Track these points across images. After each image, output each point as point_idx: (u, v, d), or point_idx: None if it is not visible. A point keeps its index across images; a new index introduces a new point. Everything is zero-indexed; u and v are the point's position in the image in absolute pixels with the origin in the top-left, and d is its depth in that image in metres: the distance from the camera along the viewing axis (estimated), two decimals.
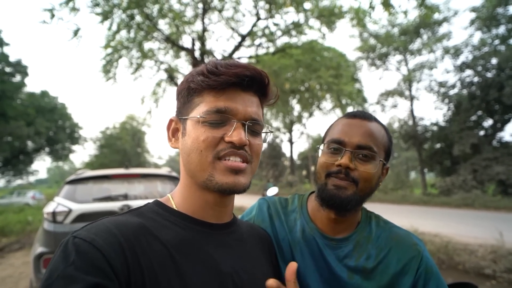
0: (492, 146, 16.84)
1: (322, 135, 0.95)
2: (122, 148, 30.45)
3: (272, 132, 0.71)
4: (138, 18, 7.88)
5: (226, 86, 0.59)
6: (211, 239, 0.62)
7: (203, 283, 0.55)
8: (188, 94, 0.63)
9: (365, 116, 0.84)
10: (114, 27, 7.87)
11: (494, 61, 16.45)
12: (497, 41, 16.87)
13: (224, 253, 0.62)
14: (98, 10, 7.39)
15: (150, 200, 0.67)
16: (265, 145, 0.69)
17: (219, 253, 0.61)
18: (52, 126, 24.15)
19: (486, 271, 4.14)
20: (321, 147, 0.86)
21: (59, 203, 3.14)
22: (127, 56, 9.07)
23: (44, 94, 24.42)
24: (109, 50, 8.55)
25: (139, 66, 9.49)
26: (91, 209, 3.18)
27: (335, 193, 0.77)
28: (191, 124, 0.61)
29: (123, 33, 8.26)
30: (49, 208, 3.12)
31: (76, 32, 7.34)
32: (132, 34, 8.31)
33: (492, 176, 15.40)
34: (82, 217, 3.08)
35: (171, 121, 0.67)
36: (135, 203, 3.26)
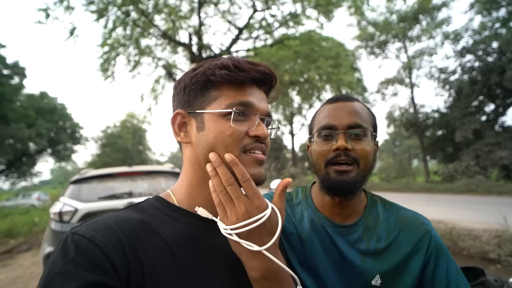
0: (494, 131, 16.75)
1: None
2: (124, 147, 30.52)
3: (279, 128, 0.73)
4: (134, 15, 7.80)
5: (249, 82, 0.61)
6: (212, 234, 0.61)
7: (204, 279, 0.55)
8: (202, 87, 0.61)
9: (347, 98, 0.86)
10: (110, 25, 7.80)
11: (495, 45, 16.24)
12: (497, 25, 16.61)
13: (224, 248, 0.61)
14: (93, 8, 7.32)
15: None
16: None
17: (219, 248, 0.61)
18: (53, 127, 24.17)
19: (491, 256, 4.16)
20: (313, 137, 0.86)
21: (65, 203, 3.17)
22: (124, 53, 9.02)
23: (43, 95, 24.36)
24: (106, 48, 8.50)
25: (137, 64, 9.45)
26: (96, 207, 3.21)
27: (340, 178, 0.78)
28: (210, 118, 0.60)
29: (119, 30, 8.20)
30: (55, 208, 3.15)
31: (72, 31, 7.30)
32: (128, 31, 8.25)
33: (495, 161, 15.38)
34: (88, 216, 3.09)
35: (177, 114, 0.64)
36: (140, 200, 3.29)
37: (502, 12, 16.41)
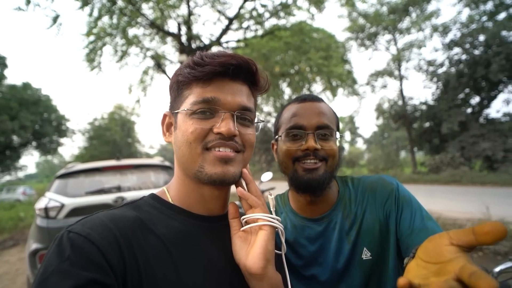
0: (479, 123, 17.18)
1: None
2: (112, 139, 29.87)
3: (263, 121, 0.71)
4: (120, 3, 7.54)
5: (213, 76, 0.58)
6: (206, 233, 0.62)
7: (199, 277, 0.55)
8: (178, 87, 0.62)
9: (315, 98, 0.87)
10: (95, 13, 7.53)
11: (481, 38, 16.50)
12: (484, 18, 16.87)
13: (219, 246, 0.62)
14: None
15: (145, 191, 0.65)
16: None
17: (214, 246, 0.61)
18: (37, 119, 23.47)
19: None
20: (281, 136, 0.85)
21: (51, 198, 3.09)
22: (111, 43, 8.74)
23: (26, 86, 23.53)
24: (92, 37, 8.22)
25: (124, 54, 9.18)
26: (84, 202, 3.14)
27: (309, 177, 0.79)
28: (181, 117, 0.61)
29: (106, 19, 7.93)
30: (41, 203, 3.06)
31: (55, 19, 7.01)
32: (115, 20, 7.98)
33: (479, 153, 15.83)
34: (75, 211, 3.04)
35: (165, 115, 0.67)
36: (129, 195, 3.23)
37: (489, 5, 16.65)
